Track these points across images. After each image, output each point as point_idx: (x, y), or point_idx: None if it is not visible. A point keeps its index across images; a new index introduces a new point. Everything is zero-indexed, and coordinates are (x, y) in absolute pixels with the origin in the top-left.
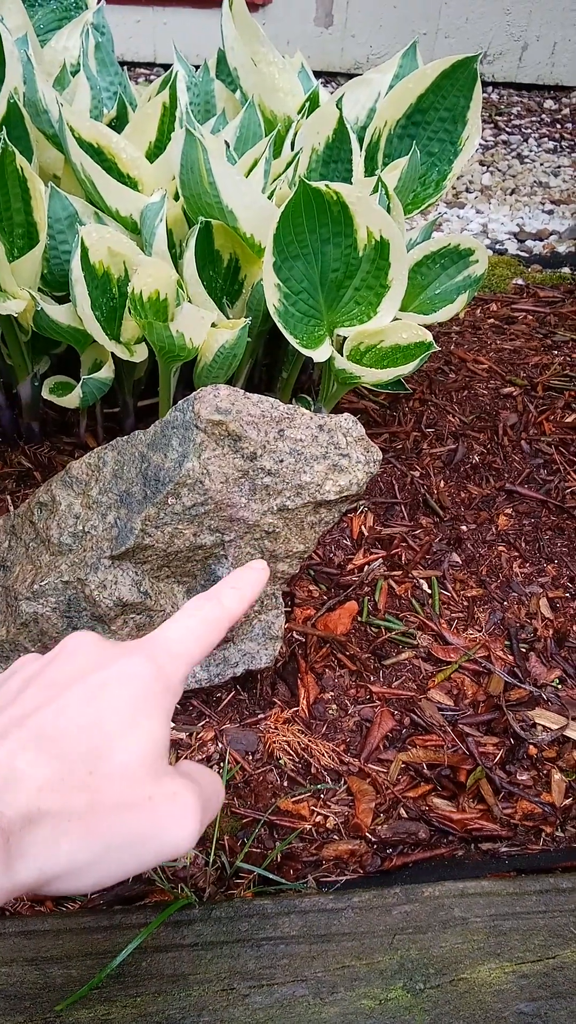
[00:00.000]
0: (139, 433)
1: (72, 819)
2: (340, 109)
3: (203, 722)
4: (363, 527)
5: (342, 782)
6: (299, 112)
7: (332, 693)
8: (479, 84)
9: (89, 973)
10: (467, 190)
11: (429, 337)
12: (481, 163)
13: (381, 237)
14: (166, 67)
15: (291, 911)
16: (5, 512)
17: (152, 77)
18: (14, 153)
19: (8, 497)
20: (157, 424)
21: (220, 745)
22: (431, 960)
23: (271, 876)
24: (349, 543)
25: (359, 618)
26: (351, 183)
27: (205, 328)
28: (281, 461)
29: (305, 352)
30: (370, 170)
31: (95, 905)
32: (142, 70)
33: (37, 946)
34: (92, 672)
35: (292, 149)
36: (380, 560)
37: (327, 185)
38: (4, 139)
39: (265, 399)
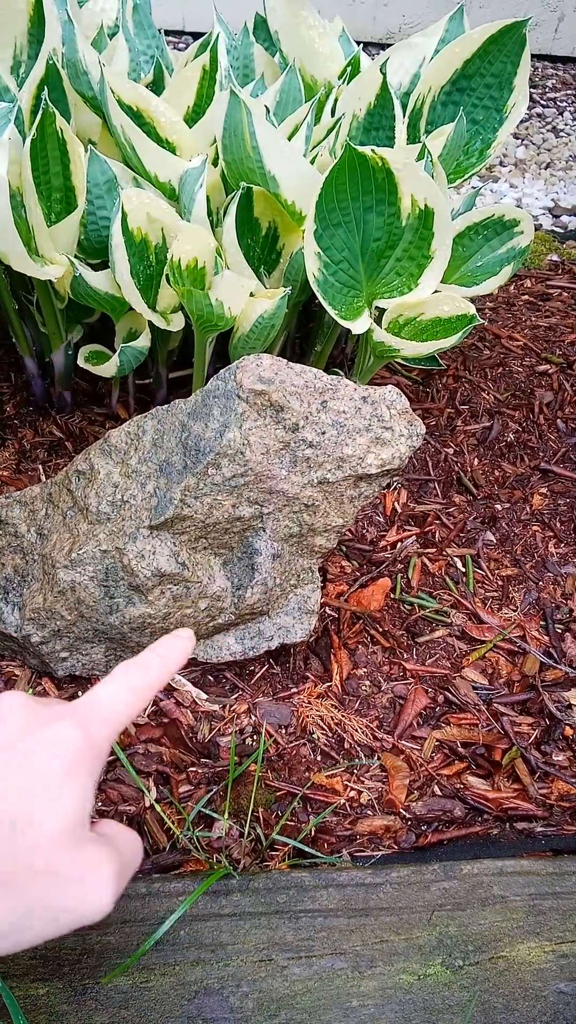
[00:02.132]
0: (180, 402)
1: None
2: (384, 74)
3: (236, 694)
4: (396, 504)
5: (375, 758)
6: (340, 78)
7: (365, 669)
8: (527, 50)
9: (127, 940)
10: (501, 163)
11: (472, 310)
12: (515, 136)
13: (426, 206)
14: (195, 35)
15: (329, 884)
16: (37, 481)
17: (181, 45)
18: (54, 115)
19: (40, 466)
20: (198, 393)
21: (253, 718)
22: (470, 937)
23: (306, 849)
24: (382, 519)
25: (392, 595)
26: None
27: (244, 297)
28: (323, 433)
29: (344, 324)
30: (412, 138)
31: None
32: (171, 38)
33: None
34: (21, 738)
35: (332, 115)
36: (413, 537)
37: (373, 150)
38: (45, 100)
39: (308, 369)
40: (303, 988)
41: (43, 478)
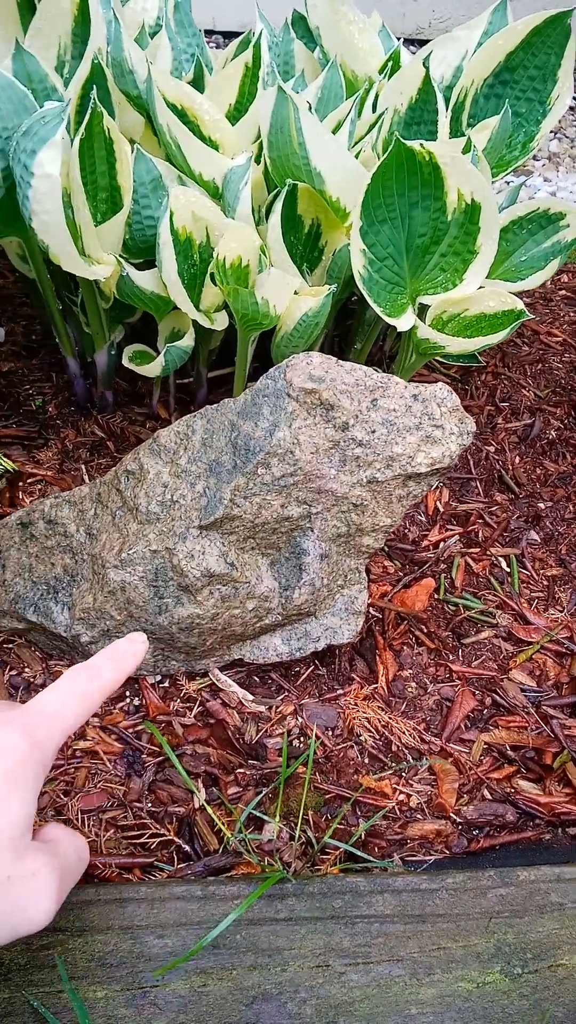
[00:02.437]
0: (229, 401)
1: None
2: (427, 68)
3: (282, 696)
4: (438, 503)
5: (424, 761)
6: (380, 73)
7: (411, 671)
8: (573, 40)
9: (183, 943)
10: (534, 157)
11: (520, 305)
12: (550, 130)
13: (472, 200)
14: (225, 35)
15: (384, 890)
16: (81, 481)
17: (211, 45)
18: (102, 114)
19: (83, 466)
20: (247, 392)
21: (300, 719)
22: (528, 945)
23: (358, 853)
24: (424, 519)
25: (436, 595)
26: None
27: (288, 295)
28: (373, 432)
29: (389, 321)
30: (454, 132)
31: (184, 875)
32: None
33: (131, 914)
34: None
35: (373, 111)
36: (456, 537)
37: (421, 144)
38: (94, 99)
39: (358, 367)
40: (361, 995)
41: (86, 478)
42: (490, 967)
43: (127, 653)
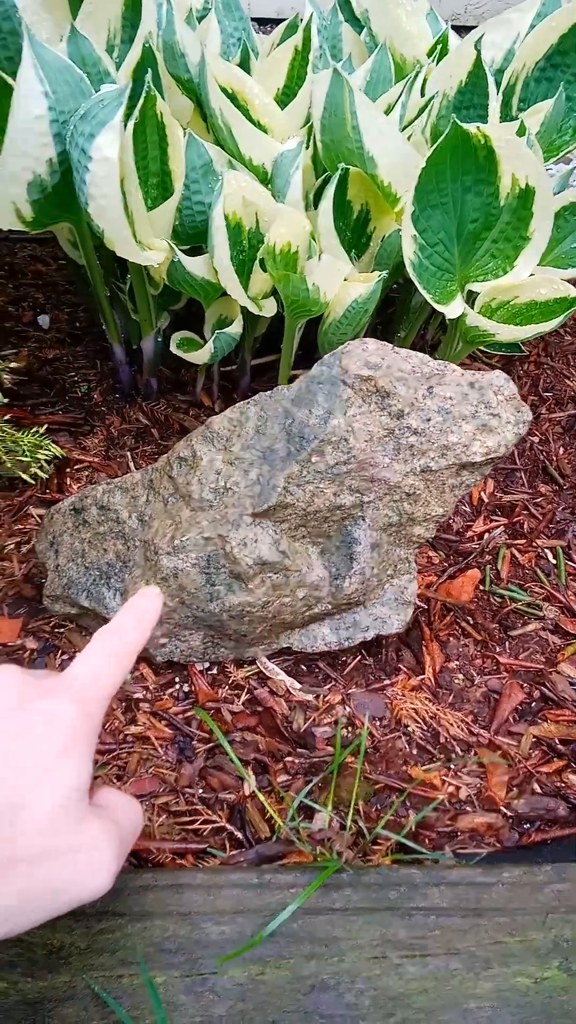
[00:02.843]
0: (282, 388)
1: None
2: (478, 50)
3: (329, 685)
4: (483, 493)
5: (472, 753)
6: (428, 56)
7: (458, 662)
8: None
9: (240, 931)
10: None
11: (573, 292)
12: None
13: (527, 185)
14: (260, 21)
15: (440, 882)
16: (126, 467)
17: None
18: (155, 98)
19: (128, 453)
20: (301, 379)
21: (347, 709)
22: None
23: (410, 844)
24: (468, 509)
25: (482, 587)
26: None
27: (339, 281)
28: (428, 420)
29: (438, 307)
30: (504, 116)
31: (236, 862)
32: None
33: (188, 900)
34: (16, 713)
35: (421, 95)
36: (501, 528)
37: (478, 127)
38: (148, 83)
39: (414, 354)
40: (419, 987)
41: (131, 464)
42: (548, 963)
43: (146, 608)
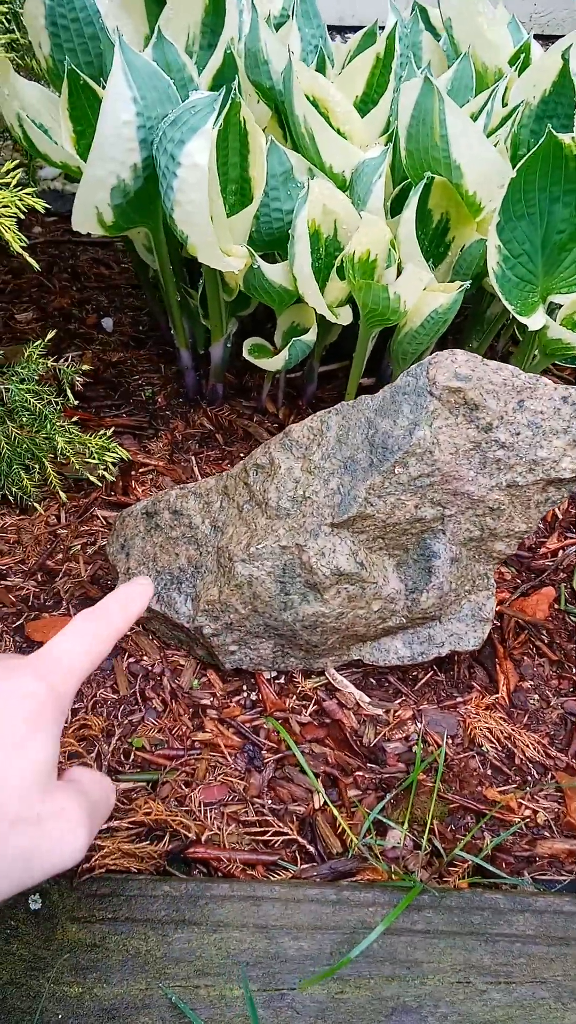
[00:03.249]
0: (366, 398)
1: None
2: (566, 60)
3: (399, 700)
4: (557, 509)
5: (550, 776)
6: (510, 64)
7: (532, 682)
8: None
9: (319, 947)
10: None
11: None
12: None
13: None
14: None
15: (525, 909)
16: (191, 472)
17: None
18: (240, 104)
19: (192, 458)
20: (387, 389)
21: (419, 725)
22: None
23: (489, 867)
24: (542, 525)
25: (556, 605)
26: None
27: (419, 290)
28: (518, 434)
29: (520, 319)
30: None
31: (309, 876)
32: None
33: (266, 914)
34: None
35: (503, 104)
36: None
37: (572, 138)
38: (234, 90)
39: (505, 366)
40: (504, 1015)
41: (196, 469)
42: None
43: (134, 596)
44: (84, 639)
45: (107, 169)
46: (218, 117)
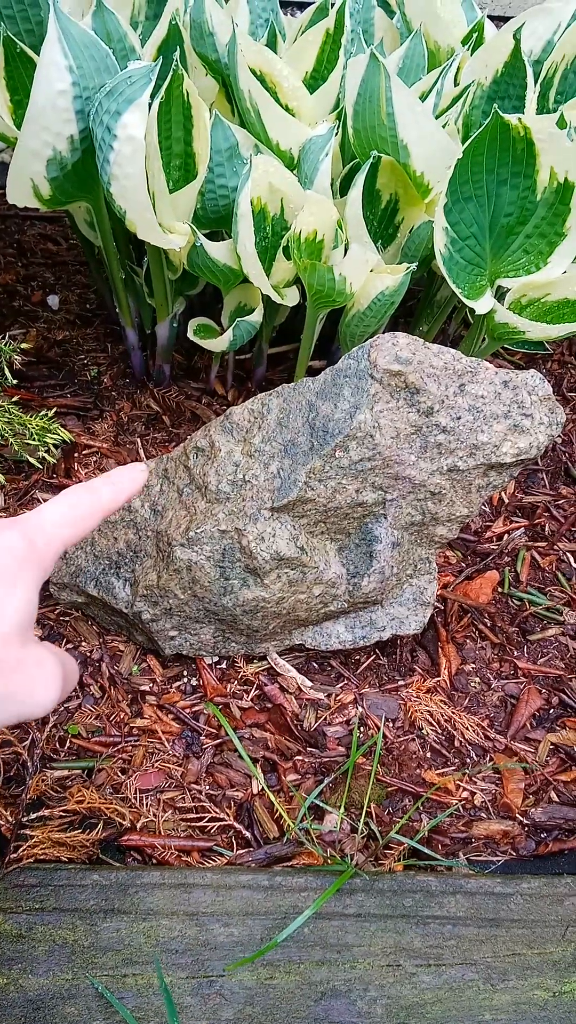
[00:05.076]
0: (307, 380)
1: None
2: (517, 40)
3: (341, 684)
4: (503, 494)
5: (488, 759)
6: (463, 44)
7: (474, 665)
8: None
9: (250, 933)
10: None
11: None
12: None
13: (565, 179)
14: (283, 4)
15: (456, 891)
16: (136, 454)
17: None
18: (182, 77)
19: (138, 440)
20: (328, 372)
21: (360, 709)
22: None
23: (424, 850)
24: (488, 509)
25: (500, 589)
26: None
27: (366, 272)
28: (459, 418)
29: (467, 303)
30: (541, 108)
31: (244, 862)
32: None
33: (197, 901)
34: None
35: (455, 84)
36: (522, 529)
37: (519, 119)
38: (176, 62)
39: (446, 350)
40: (433, 997)
41: (141, 451)
42: (567, 976)
43: (126, 479)
44: (70, 509)
45: (42, 140)
46: (158, 89)
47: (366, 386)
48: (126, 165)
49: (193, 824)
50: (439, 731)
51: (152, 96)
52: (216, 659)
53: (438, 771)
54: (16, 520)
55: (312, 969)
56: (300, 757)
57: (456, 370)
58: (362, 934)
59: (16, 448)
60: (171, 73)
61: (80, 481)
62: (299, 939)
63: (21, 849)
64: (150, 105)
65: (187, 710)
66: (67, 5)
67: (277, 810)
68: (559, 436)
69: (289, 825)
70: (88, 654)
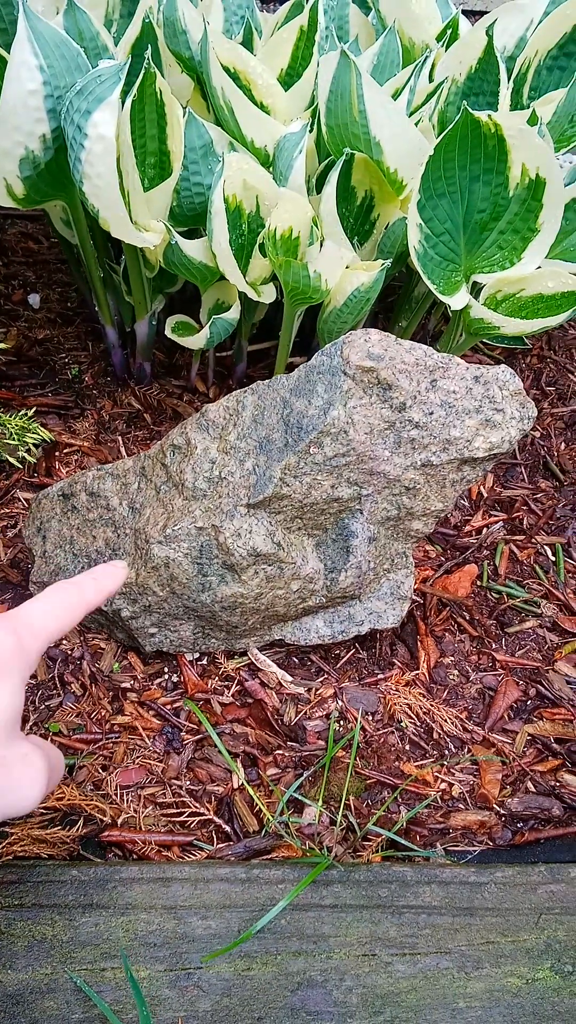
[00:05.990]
0: (281, 377)
1: None
2: (490, 36)
3: (321, 678)
4: (482, 488)
5: (466, 750)
6: (438, 40)
7: (453, 658)
8: None
9: (227, 926)
10: None
11: None
12: None
13: (537, 176)
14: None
15: (432, 881)
16: (117, 452)
17: None
18: (155, 75)
19: (119, 438)
20: (301, 368)
21: (340, 703)
22: None
23: (401, 841)
24: (467, 504)
25: (479, 582)
26: None
27: (341, 269)
28: (431, 414)
29: (442, 298)
30: (515, 104)
31: (224, 856)
32: None
33: (175, 894)
34: None
35: (430, 80)
36: (500, 523)
37: (489, 115)
38: (148, 60)
39: (418, 346)
40: (408, 986)
41: (123, 449)
42: (540, 964)
43: (108, 575)
44: (56, 606)
45: (13, 140)
46: (130, 87)
47: (339, 382)
48: (98, 164)
49: (173, 819)
50: (418, 724)
51: (124, 94)
52: (197, 655)
53: (417, 763)
54: (3, 617)
55: (289, 960)
56: (280, 751)
57: (428, 366)
58: (338, 924)
59: None
60: (143, 71)
61: (61, 479)
62: (276, 930)
63: (0, 846)
64: (122, 103)
65: (168, 706)
66: (40, 4)
67: (257, 804)
68: (535, 430)
69: (268, 819)
70: (69, 652)
